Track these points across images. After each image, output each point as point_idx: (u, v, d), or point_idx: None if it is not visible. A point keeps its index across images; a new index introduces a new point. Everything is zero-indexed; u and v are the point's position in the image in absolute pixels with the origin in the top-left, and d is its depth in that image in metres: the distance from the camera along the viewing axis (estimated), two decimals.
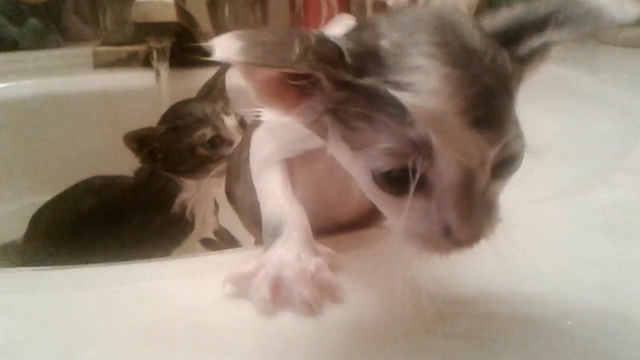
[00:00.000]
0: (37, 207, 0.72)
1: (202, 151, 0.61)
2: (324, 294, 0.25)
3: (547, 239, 0.33)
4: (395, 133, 0.22)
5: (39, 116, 0.84)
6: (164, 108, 0.71)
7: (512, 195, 0.41)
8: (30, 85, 0.86)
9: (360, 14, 1.06)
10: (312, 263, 0.26)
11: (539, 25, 0.24)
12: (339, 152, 0.26)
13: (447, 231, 0.23)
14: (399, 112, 0.22)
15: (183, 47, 0.81)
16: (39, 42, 1.00)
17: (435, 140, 0.22)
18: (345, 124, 0.24)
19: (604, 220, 0.34)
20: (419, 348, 0.24)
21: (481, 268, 0.30)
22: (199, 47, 0.86)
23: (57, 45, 1.03)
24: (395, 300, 0.27)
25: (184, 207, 0.65)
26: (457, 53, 0.22)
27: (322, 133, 0.26)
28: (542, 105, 0.62)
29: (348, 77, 0.23)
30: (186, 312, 0.26)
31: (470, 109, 0.22)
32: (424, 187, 0.23)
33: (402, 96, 0.22)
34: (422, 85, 0.22)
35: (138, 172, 0.67)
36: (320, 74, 0.23)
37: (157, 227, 0.65)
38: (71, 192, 0.70)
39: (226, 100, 0.65)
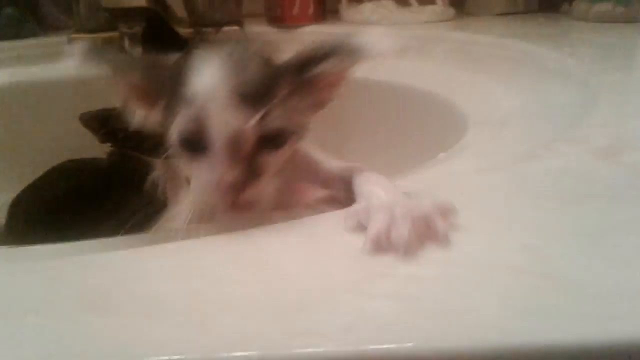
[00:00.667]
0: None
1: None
2: None
3: (483, 205, 0.34)
4: (185, 111, 0.33)
5: (17, 105, 0.85)
6: None
7: (461, 165, 0.43)
8: (7, 74, 0.87)
9: None
10: None
11: (321, 57, 0.35)
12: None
13: (218, 180, 0.32)
14: (187, 102, 0.33)
15: (154, 32, 0.82)
16: (15, 31, 1.00)
17: (204, 115, 0.32)
18: (171, 110, 0.35)
19: (541, 187, 0.35)
20: (337, 306, 0.25)
21: None
22: (171, 31, 0.88)
23: (34, 34, 1.02)
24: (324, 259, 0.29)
25: (155, 186, 0.66)
26: (226, 63, 0.34)
27: None
28: (504, 79, 0.63)
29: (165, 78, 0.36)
30: (127, 282, 0.28)
31: (229, 95, 0.32)
32: (205, 147, 0.33)
33: (191, 91, 0.33)
34: (200, 83, 0.33)
35: (111, 154, 0.68)
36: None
37: (132, 207, 0.66)
38: (46, 177, 0.71)
39: None
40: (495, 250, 0.28)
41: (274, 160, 0.35)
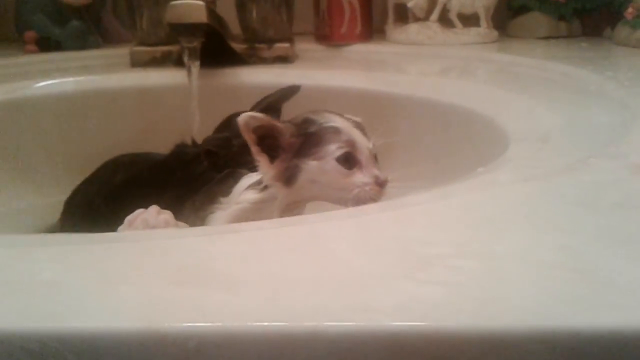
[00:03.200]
0: None
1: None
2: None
3: (522, 211, 0.37)
4: (338, 140, 0.47)
5: (80, 111, 0.91)
6: (195, 104, 0.77)
7: (501, 176, 0.46)
8: (72, 83, 0.93)
9: (382, 16, 1.10)
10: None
11: None
12: (309, 174, 0.47)
13: (375, 180, 0.46)
14: (335, 133, 0.47)
15: (212, 47, 0.87)
16: (81, 42, 1.07)
17: (355, 138, 0.47)
18: (307, 155, 0.47)
19: (577, 197, 0.38)
20: (392, 289, 0.28)
21: (459, 231, 0.34)
22: (228, 48, 0.93)
23: (97, 46, 1.09)
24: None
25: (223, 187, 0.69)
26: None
27: (288, 179, 0.48)
28: (545, 100, 0.66)
29: (301, 132, 0.48)
30: (207, 262, 0.32)
31: (358, 129, 0.48)
32: (355, 163, 0.47)
33: (333, 127, 0.47)
34: (339, 124, 0.48)
35: (174, 152, 0.72)
36: (290, 133, 0.48)
37: (192, 203, 0.69)
38: (101, 171, 0.76)
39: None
40: (532, 249, 0.32)
41: None
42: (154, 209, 0.48)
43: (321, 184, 0.47)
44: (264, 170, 0.48)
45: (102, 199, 0.73)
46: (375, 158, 0.48)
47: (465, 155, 0.69)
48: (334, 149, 0.46)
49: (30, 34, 1.06)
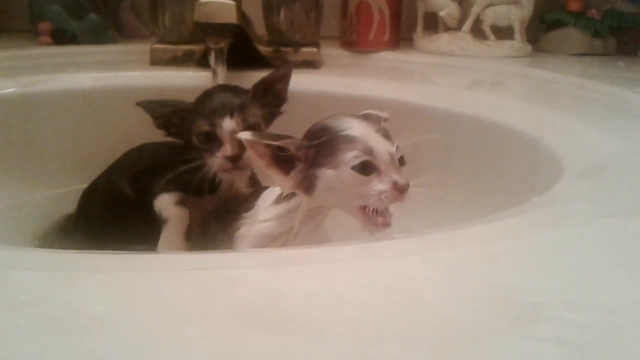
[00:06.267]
0: None
1: (195, 141, 0.62)
2: None
3: (619, 251, 0.34)
4: (355, 148, 0.44)
5: (97, 108, 0.87)
6: None
7: (577, 210, 0.42)
8: (89, 79, 0.89)
9: (409, 24, 1.07)
10: None
11: None
12: (325, 182, 0.45)
13: (394, 186, 0.44)
14: (350, 141, 0.44)
15: (239, 49, 0.83)
16: (97, 37, 1.03)
17: (373, 145, 0.44)
18: (322, 164, 0.45)
19: None
20: (501, 347, 0.25)
21: (557, 276, 0.31)
22: (254, 50, 0.89)
23: (114, 41, 1.05)
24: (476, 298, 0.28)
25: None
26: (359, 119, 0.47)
27: (307, 188, 0.46)
28: (596, 122, 0.63)
29: (314, 142, 0.46)
30: (277, 300, 0.28)
31: (380, 132, 0.46)
32: (373, 170, 0.44)
33: (348, 135, 0.45)
34: (355, 131, 0.45)
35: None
36: (295, 146, 0.46)
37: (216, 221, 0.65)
38: (124, 158, 0.74)
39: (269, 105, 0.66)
40: None
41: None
42: None
43: (338, 192, 0.45)
44: (278, 183, 0.48)
45: (126, 183, 0.71)
46: (400, 161, 0.46)
47: (509, 178, 0.66)
48: (350, 157, 0.44)
49: (44, 26, 1.02)
